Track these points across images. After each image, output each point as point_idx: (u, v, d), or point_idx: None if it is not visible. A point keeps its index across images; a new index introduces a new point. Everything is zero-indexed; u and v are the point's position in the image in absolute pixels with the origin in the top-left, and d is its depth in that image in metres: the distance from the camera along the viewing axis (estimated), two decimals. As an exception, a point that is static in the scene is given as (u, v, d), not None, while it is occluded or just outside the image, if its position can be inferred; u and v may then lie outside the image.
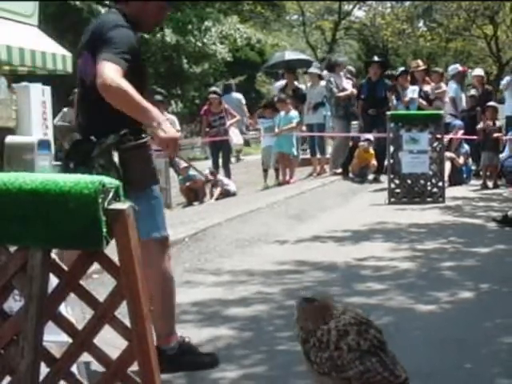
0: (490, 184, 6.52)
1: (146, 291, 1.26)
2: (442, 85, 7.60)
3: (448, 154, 6.52)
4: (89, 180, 1.21)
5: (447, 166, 6.38)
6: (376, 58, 7.61)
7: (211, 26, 11.24)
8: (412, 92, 7.09)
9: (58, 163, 5.20)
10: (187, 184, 6.53)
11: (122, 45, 1.86)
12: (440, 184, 5.72)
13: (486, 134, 6.59)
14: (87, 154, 1.87)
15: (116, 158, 1.85)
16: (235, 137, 7.75)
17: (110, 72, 1.80)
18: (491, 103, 6.87)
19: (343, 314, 1.67)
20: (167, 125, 1.86)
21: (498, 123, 6.79)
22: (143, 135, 1.95)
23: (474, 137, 6.76)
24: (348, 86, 7.21)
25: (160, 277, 1.98)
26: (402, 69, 7.36)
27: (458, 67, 8.08)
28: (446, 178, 6.21)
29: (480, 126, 6.75)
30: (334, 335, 1.60)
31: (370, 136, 6.86)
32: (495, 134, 6.58)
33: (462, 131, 6.90)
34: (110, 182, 1.23)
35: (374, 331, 1.63)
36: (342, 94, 6.95)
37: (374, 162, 6.90)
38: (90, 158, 1.85)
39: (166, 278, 2.00)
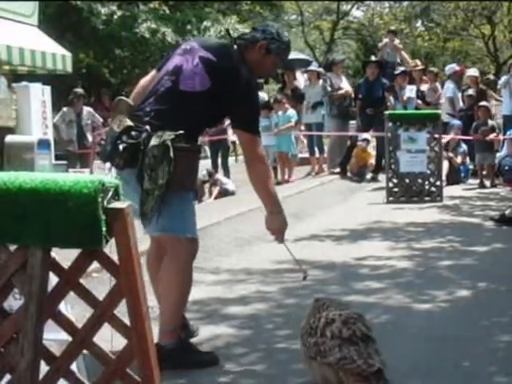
0: (487, 183, 6.54)
1: (144, 290, 1.27)
2: (437, 85, 7.64)
3: (446, 153, 6.54)
4: (88, 179, 1.21)
5: (445, 165, 6.41)
6: (373, 58, 7.63)
7: (210, 25, 11.26)
8: (410, 91, 7.11)
9: (58, 162, 5.24)
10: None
11: (259, 114, 2.16)
12: (438, 183, 5.75)
13: (479, 133, 6.61)
14: (140, 142, 1.93)
15: (171, 153, 1.91)
16: (234, 136, 7.76)
17: (261, 151, 2.10)
18: (483, 103, 6.90)
19: (341, 309, 1.72)
20: (280, 215, 2.08)
21: (490, 122, 6.81)
22: (196, 143, 2.05)
23: (471, 137, 6.78)
24: (344, 85, 7.22)
25: (181, 274, 2.03)
26: (402, 69, 7.39)
27: (455, 67, 8.11)
28: (444, 177, 6.23)
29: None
30: (322, 322, 1.69)
31: (368, 135, 6.88)
32: (490, 135, 6.60)
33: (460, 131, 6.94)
34: (110, 181, 1.24)
35: (360, 325, 1.69)
36: (335, 92, 6.98)
37: (371, 161, 6.91)
38: (143, 145, 1.92)
39: (186, 275, 2.05)
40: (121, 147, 1.93)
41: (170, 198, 1.94)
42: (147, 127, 1.96)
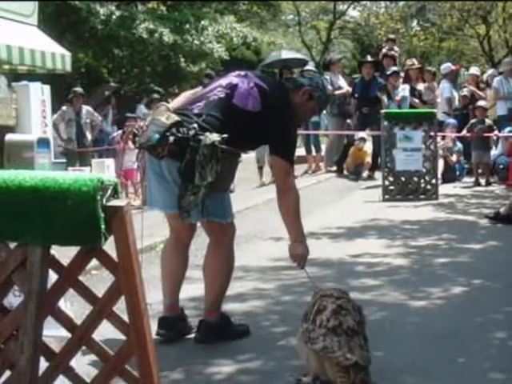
0: (482, 181, 6.58)
1: (143, 287, 1.28)
2: (434, 84, 7.69)
3: (441, 151, 6.58)
4: (87, 177, 1.22)
5: (440, 163, 6.44)
6: (369, 58, 7.67)
7: (208, 25, 11.29)
8: (403, 90, 7.14)
9: (58, 161, 5.25)
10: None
11: (295, 147, 2.31)
12: (433, 181, 5.78)
13: (474, 132, 6.67)
14: (190, 137, 2.05)
15: (219, 154, 2.04)
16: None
17: (293, 181, 2.24)
18: (480, 103, 6.95)
19: (339, 298, 1.78)
20: (303, 244, 2.24)
21: (487, 121, 6.86)
22: (235, 148, 2.16)
23: (467, 134, 6.83)
24: (343, 84, 7.25)
25: (226, 258, 2.23)
26: (394, 69, 7.44)
27: (451, 66, 8.16)
28: (439, 175, 6.27)
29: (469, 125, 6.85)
30: (315, 309, 1.76)
31: (364, 134, 6.91)
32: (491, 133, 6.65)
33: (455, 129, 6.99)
34: (109, 179, 1.25)
35: (349, 318, 1.74)
36: (337, 92, 7.01)
37: (368, 159, 6.94)
38: (194, 141, 2.05)
39: (230, 258, 2.27)
40: (171, 138, 2.05)
41: (210, 193, 2.11)
42: (195, 125, 2.10)
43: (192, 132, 2.05)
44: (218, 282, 2.25)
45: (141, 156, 2.23)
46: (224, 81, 2.27)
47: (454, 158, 6.87)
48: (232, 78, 2.27)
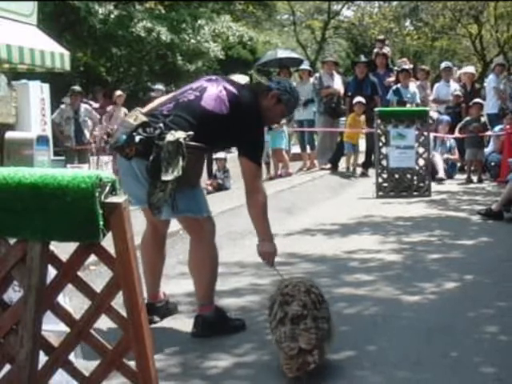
0: (474, 178, 6.64)
1: (141, 281, 1.30)
2: (427, 82, 7.75)
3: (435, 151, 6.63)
4: (86, 174, 1.24)
5: (437, 160, 6.49)
6: (363, 58, 7.74)
7: (204, 24, 11.30)
8: (413, 88, 7.17)
9: (57, 158, 5.25)
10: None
11: (263, 149, 2.39)
12: (426, 178, 5.84)
13: (468, 130, 6.73)
14: (155, 136, 2.08)
15: (184, 150, 2.07)
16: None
17: (261, 182, 2.33)
18: (476, 100, 7.02)
19: (287, 286, 1.89)
20: (271, 242, 2.33)
21: (482, 119, 6.93)
22: (202, 144, 2.18)
23: (461, 136, 6.89)
24: (336, 84, 7.30)
25: (209, 250, 2.27)
26: (405, 66, 7.48)
27: (447, 64, 8.23)
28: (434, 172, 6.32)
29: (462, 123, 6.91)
30: (270, 303, 1.88)
31: (361, 98, 6.90)
32: (488, 132, 6.71)
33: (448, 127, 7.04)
34: (107, 176, 1.27)
35: (294, 304, 1.82)
36: (322, 90, 7.08)
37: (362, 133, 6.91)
38: (159, 140, 2.07)
39: (213, 250, 2.30)
40: (137, 138, 2.10)
41: (181, 188, 2.13)
42: (161, 125, 2.14)
43: (158, 131, 2.10)
44: (205, 277, 2.28)
45: (113, 157, 2.27)
46: (194, 84, 2.36)
47: (445, 155, 6.93)
48: (202, 82, 2.35)
